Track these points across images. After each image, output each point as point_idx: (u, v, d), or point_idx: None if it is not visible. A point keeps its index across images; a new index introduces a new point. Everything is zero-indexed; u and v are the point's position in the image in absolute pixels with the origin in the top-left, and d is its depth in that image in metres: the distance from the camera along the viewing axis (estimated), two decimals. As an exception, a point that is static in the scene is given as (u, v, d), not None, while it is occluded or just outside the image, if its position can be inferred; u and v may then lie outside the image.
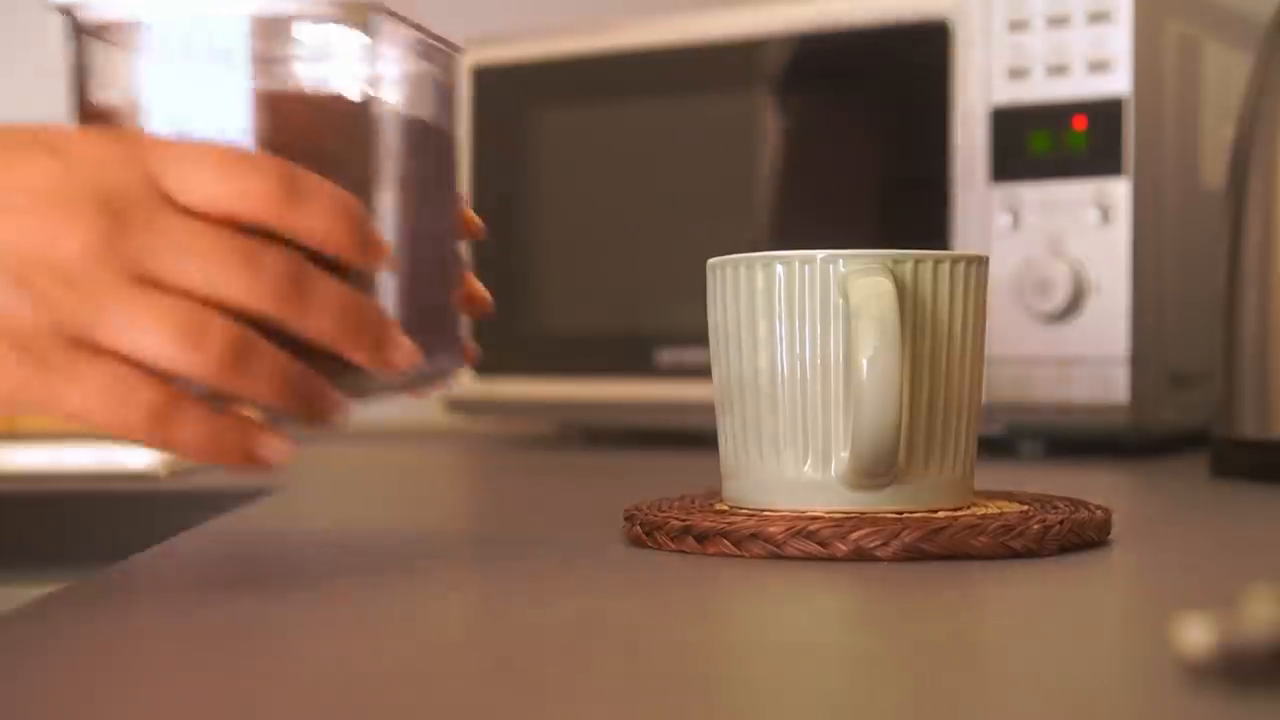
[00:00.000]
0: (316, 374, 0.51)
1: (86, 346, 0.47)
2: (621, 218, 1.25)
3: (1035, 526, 0.59)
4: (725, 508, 0.64)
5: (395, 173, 0.55)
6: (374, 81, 0.55)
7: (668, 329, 1.21)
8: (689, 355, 1.20)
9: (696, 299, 0.67)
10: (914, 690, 0.40)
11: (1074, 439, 1.08)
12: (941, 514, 0.61)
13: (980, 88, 1.10)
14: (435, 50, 0.59)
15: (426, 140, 0.58)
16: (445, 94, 0.60)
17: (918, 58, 1.13)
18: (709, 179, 1.23)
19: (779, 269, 0.62)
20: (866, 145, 1.17)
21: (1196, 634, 0.37)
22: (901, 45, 1.14)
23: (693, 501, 0.67)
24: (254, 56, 0.54)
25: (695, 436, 1.10)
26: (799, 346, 0.62)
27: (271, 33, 0.55)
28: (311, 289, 0.50)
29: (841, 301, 0.61)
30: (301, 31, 0.55)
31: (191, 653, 0.45)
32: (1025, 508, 0.63)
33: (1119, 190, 1.05)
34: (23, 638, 0.46)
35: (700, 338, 0.67)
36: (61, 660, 0.43)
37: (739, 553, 0.59)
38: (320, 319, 0.50)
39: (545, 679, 0.41)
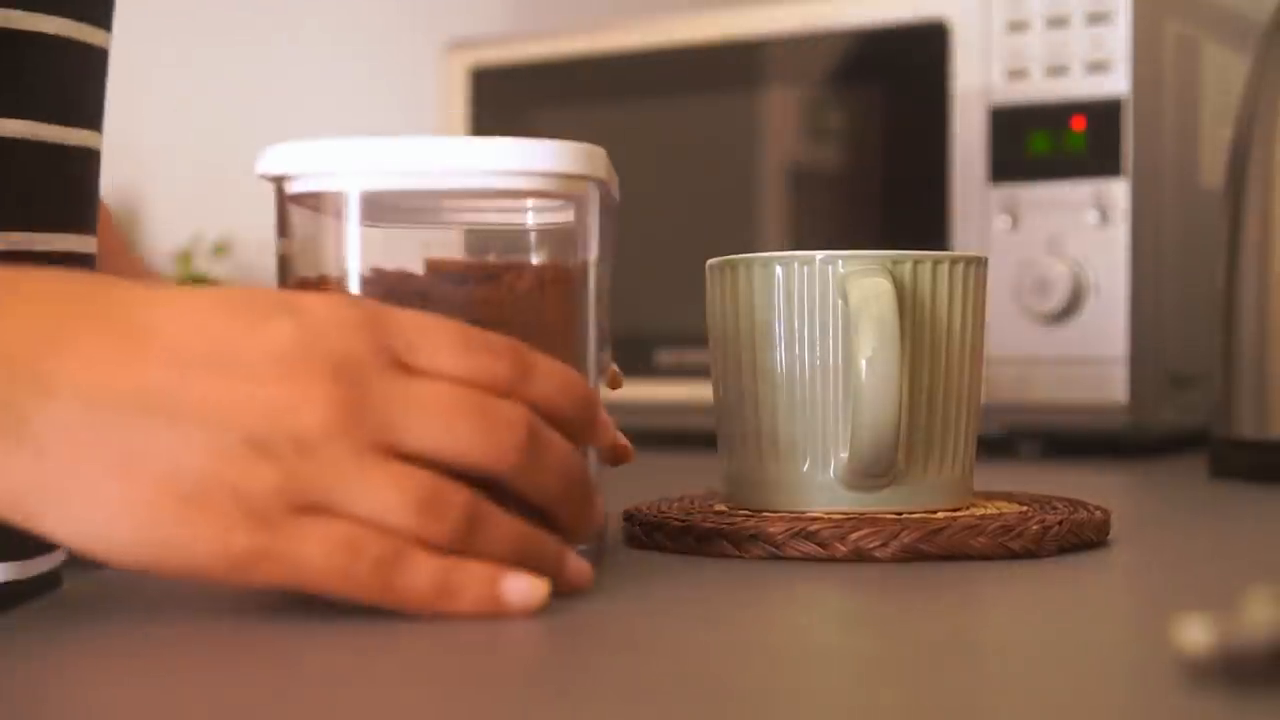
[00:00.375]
0: (554, 537, 0.50)
1: (314, 510, 0.46)
2: (620, 218, 1.25)
3: (1034, 527, 0.59)
4: (724, 508, 0.64)
5: (596, 330, 0.55)
6: (583, 246, 0.54)
7: (667, 329, 1.21)
8: (688, 356, 1.20)
9: (696, 300, 0.67)
10: (913, 691, 0.40)
11: (1073, 439, 1.08)
12: (940, 514, 0.61)
13: (979, 88, 1.10)
14: (613, 201, 0.58)
15: (604, 289, 0.57)
16: (614, 241, 0.59)
17: (916, 58, 1.13)
18: (708, 180, 1.23)
19: (778, 269, 0.62)
20: (865, 146, 1.17)
21: (1196, 635, 0.37)
22: (900, 46, 1.14)
23: (692, 502, 0.67)
24: (467, 228, 0.53)
25: (694, 437, 1.10)
26: (798, 347, 0.62)
27: (485, 203, 0.54)
28: (544, 447, 0.49)
29: (840, 302, 0.61)
30: (517, 202, 0.54)
31: (192, 653, 0.45)
32: (1024, 508, 0.63)
33: (1118, 191, 1.05)
34: (22, 638, 0.46)
35: (700, 338, 0.67)
36: (60, 660, 0.43)
37: (739, 554, 0.59)
38: (548, 479, 0.49)
39: (544, 680, 0.41)
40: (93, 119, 0.70)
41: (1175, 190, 1.10)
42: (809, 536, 0.58)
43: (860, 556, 0.58)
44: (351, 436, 0.46)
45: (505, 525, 0.48)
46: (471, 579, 0.47)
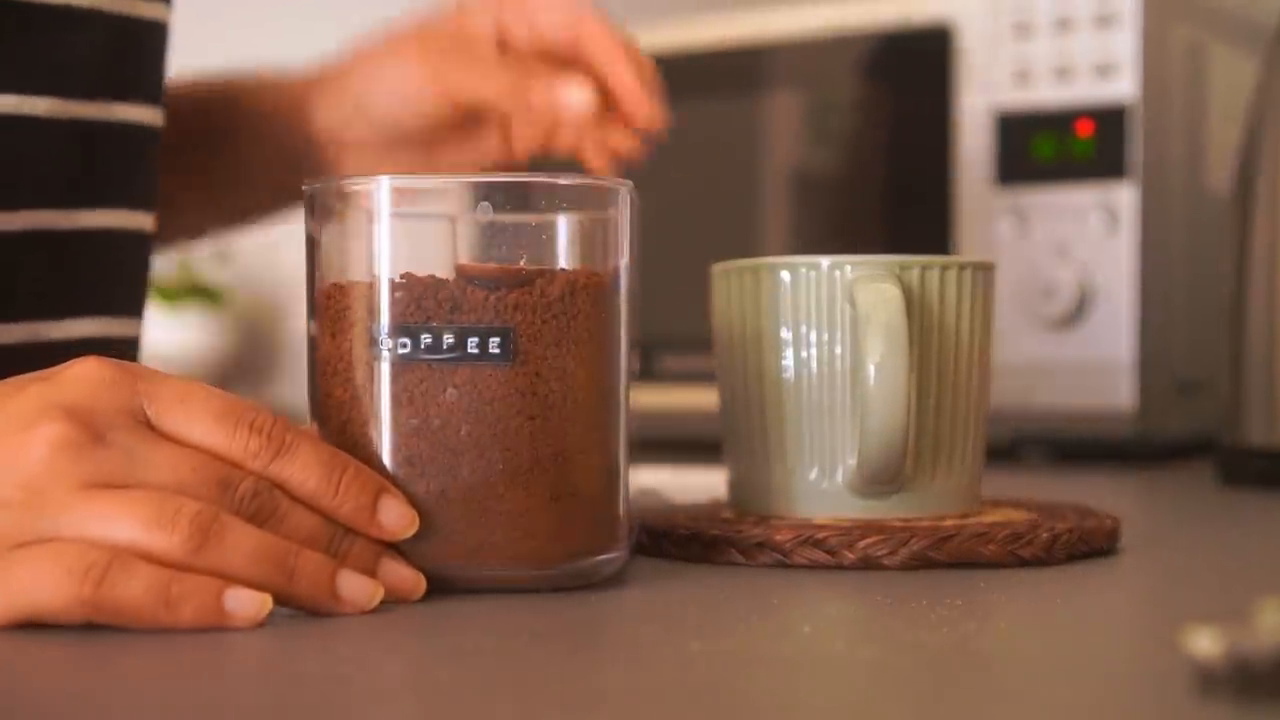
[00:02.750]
0: (323, 557, 0.49)
1: (41, 543, 0.47)
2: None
3: (1044, 535, 0.59)
4: (731, 516, 0.64)
5: (627, 335, 0.55)
6: (615, 251, 0.54)
7: (670, 334, 1.20)
8: (691, 361, 1.19)
9: (699, 304, 0.67)
10: (921, 700, 0.39)
11: (1080, 446, 1.08)
12: (949, 522, 0.61)
13: (984, 92, 1.10)
14: (636, 206, 0.58)
15: (634, 294, 0.56)
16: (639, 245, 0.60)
17: (921, 62, 1.12)
18: (711, 184, 1.22)
19: (784, 275, 0.62)
20: (870, 150, 1.17)
21: (1206, 644, 0.36)
22: (905, 49, 1.13)
23: (698, 509, 0.66)
24: (499, 236, 0.53)
25: (698, 444, 1.10)
26: (805, 353, 0.61)
27: (517, 209, 0.54)
28: (282, 517, 0.49)
29: (848, 307, 0.60)
30: (552, 209, 0.54)
31: (187, 657, 0.44)
32: (1033, 516, 0.63)
33: (1125, 195, 1.05)
34: (19, 640, 0.46)
35: (703, 343, 0.66)
36: (57, 660, 0.43)
37: (746, 561, 0.59)
38: (294, 538, 0.49)
39: (546, 688, 0.40)
40: None
41: (1183, 194, 1.09)
42: (817, 544, 0.58)
43: (868, 564, 0.57)
44: (78, 471, 0.47)
45: (246, 538, 0.48)
46: (194, 589, 0.47)
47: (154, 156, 0.73)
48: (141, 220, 0.72)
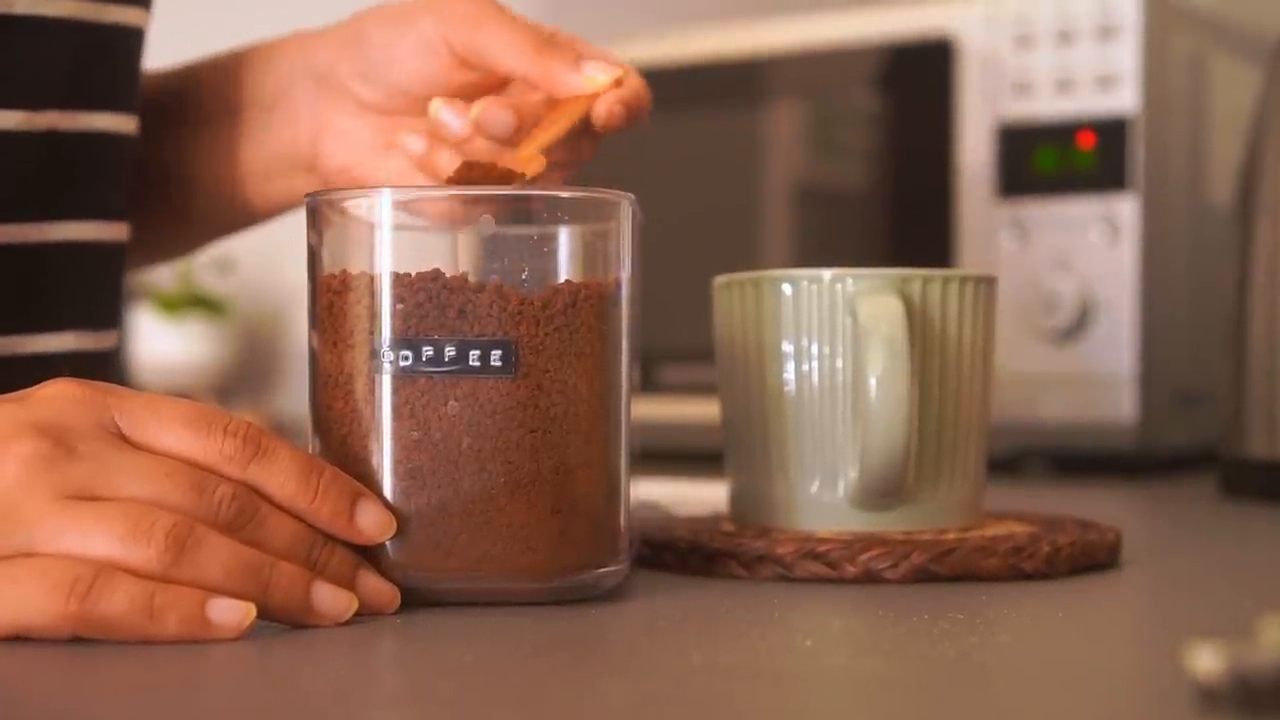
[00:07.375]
0: (299, 569, 0.49)
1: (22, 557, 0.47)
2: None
3: (1045, 548, 0.59)
4: (732, 528, 0.64)
5: (628, 346, 0.55)
6: (616, 262, 0.54)
7: (672, 346, 1.20)
8: (693, 373, 1.19)
9: (699, 316, 0.67)
10: (923, 714, 0.39)
11: (1081, 458, 1.08)
12: (951, 534, 0.60)
13: (986, 104, 1.10)
14: (640, 217, 0.58)
15: (635, 305, 0.56)
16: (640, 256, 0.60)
17: (923, 74, 1.12)
18: (712, 195, 1.22)
19: (786, 288, 0.62)
20: (871, 162, 1.17)
21: (1207, 660, 0.36)
22: (907, 62, 1.13)
23: (699, 522, 0.66)
24: (501, 249, 0.53)
25: (698, 456, 1.10)
26: (806, 365, 0.61)
27: (519, 221, 0.54)
28: (261, 521, 0.49)
29: (850, 320, 0.60)
30: (557, 222, 0.54)
31: (181, 669, 0.44)
32: (1034, 529, 0.63)
33: (1126, 207, 1.05)
34: (5, 655, 0.46)
35: (703, 354, 0.66)
36: (46, 672, 0.43)
37: (747, 574, 0.59)
38: (271, 548, 0.49)
39: (546, 701, 0.40)
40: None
41: (1184, 206, 1.09)
42: (818, 557, 0.58)
43: (870, 577, 0.57)
44: (51, 484, 0.47)
45: (222, 549, 0.48)
46: (177, 600, 0.47)
47: (127, 165, 0.73)
48: (115, 231, 0.72)
